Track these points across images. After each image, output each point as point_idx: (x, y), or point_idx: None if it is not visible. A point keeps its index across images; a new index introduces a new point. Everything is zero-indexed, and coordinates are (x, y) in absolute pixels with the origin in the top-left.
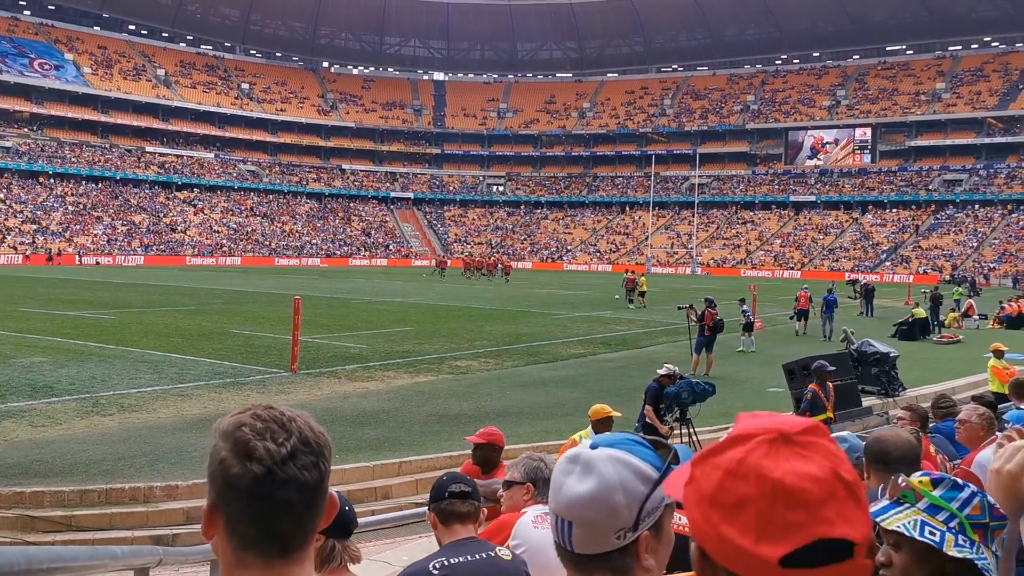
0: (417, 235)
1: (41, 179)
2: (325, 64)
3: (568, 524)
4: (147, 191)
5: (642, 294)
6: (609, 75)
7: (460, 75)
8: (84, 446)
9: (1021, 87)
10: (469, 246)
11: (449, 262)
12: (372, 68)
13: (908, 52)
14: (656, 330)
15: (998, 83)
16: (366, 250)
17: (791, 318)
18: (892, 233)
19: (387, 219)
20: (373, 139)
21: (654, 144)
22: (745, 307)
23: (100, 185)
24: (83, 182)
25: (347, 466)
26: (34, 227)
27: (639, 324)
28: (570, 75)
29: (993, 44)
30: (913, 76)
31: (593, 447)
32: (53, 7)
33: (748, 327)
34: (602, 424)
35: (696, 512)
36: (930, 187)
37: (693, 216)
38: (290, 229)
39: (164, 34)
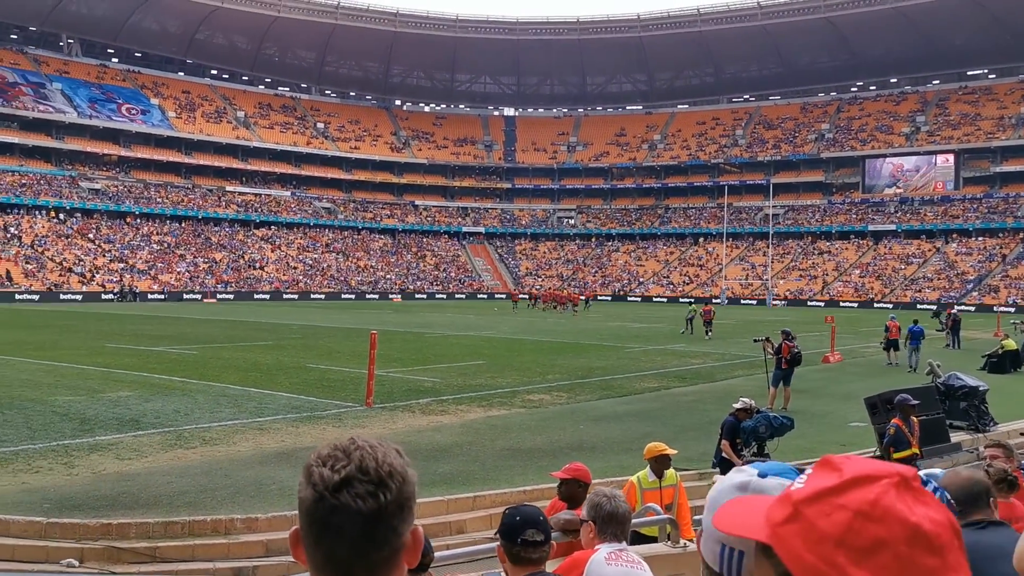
0: (489, 269)
1: (128, 219)
2: (397, 102)
3: (739, 553)
4: (227, 229)
5: (690, 320)
6: (680, 106)
7: (530, 110)
8: (168, 478)
9: None
10: (540, 279)
11: (532, 295)
12: (443, 105)
13: (990, 76)
14: (732, 363)
15: None
16: (438, 284)
17: (883, 348)
18: (978, 262)
19: (459, 253)
20: (445, 175)
21: (726, 175)
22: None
23: (183, 224)
24: (167, 221)
25: (421, 500)
26: (121, 266)
27: (714, 357)
28: (640, 107)
29: None
30: (996, 100)
31: (762, 475)
32: (140, 54)
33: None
34: (658, 462)
35: (810, 553)
36: (1017, 214)
37: (768, 247)
38: (364, 265)
39: (244, 77)
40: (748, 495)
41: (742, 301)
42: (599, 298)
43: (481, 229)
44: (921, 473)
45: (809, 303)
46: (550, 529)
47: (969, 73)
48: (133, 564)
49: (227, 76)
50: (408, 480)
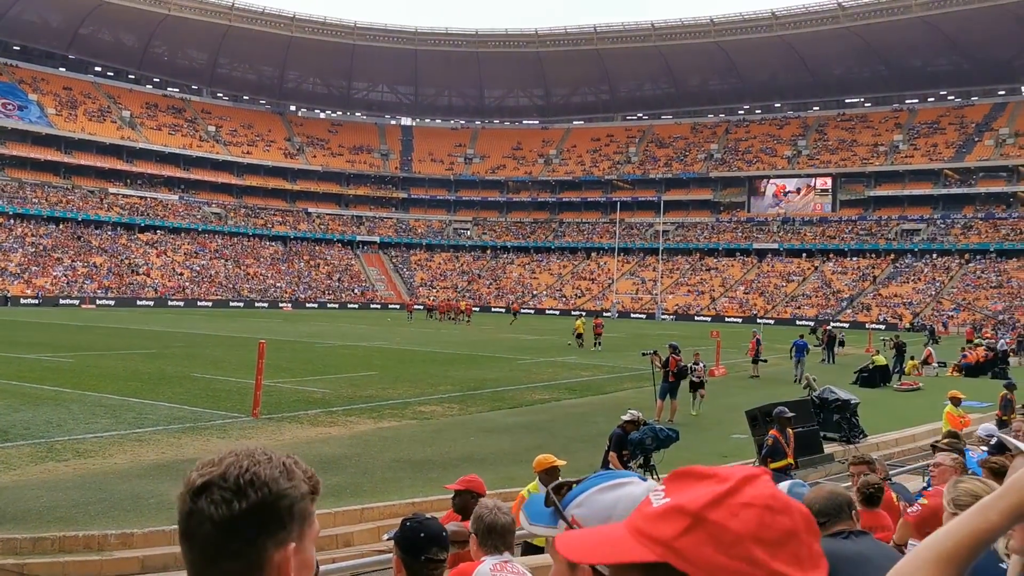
0: (383, 279)
1: (0, 219)
2: (292, 108)
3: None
4: (109, 233)
5: (579, 336)
6: (575, 122)
7: (427, 120)
8: (38, 492)
9: (976, 140)
10: (435, 290)
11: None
12: (339, 112)
13: (866, 105)
14: (621, 376)
15: (954, 135)
16: (331, 293)
17: (752, 361)
18: (852, 281)
19: (353, 263)
20: (340, 183)
21: (619, 191)
22: (698, 363)
23: (61, 226)
24: (44, 223)
25: None
26: None
27: (604, 370)
28: (536, 122)
29: (949, 98)
30: (871, 128)
31: (643, 480)
32: (18, 47)
33: (699, 385)
34: (548, 475)
35: (724, 556)
36: (889, 236)
37: (658, 262)
38: (254, 272)
39: (131, 76)
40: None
41: (632, 315)
42: (493, 310)
43: (376, 238)
44: (782, 485)
45: (696, 318)
46: (449, 544)
47: (847, 101)
48: None
49: (112, 74)
50: (277, 493)
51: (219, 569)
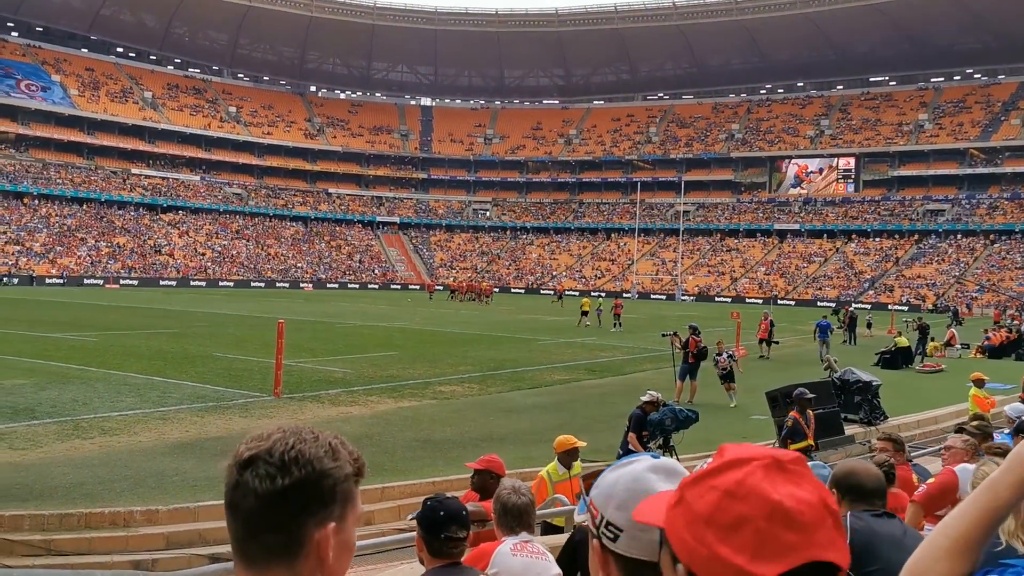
0: (403, 259)
1: (25, 200)
2: (312, 88)
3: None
4: (132, 213)
5: (584, 313)
6: (595, 102)
7: (447, 100)
8: (64, 470)
9: (1003, 118)
10: (454, 271)
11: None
12: (359, 93)
13: (891, 83)
14: (640, 357)
15: (980, 114)
16: (351, 274)
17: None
18: (875, 262)
19: (373, 243)
20: (360, 163)
21: (640, 171)
22: (724, 352)
23: (85, 207)
24: (68, 203)
25: None
26: (17, 248)
27: (623, 351)
28: (557, 102)
29: (975, 76)
30: (896, 107)
31: (656, 457)
32: (41, 29)
33: (729, 377)
34: (568, 455)
35: (687, 533)
36: (913, 217)
37: (678, 243)
38: (275, 252)
39: (152, 57)
40: (660, 476)
41: (652, 296)
42: (512, 291)
43: (396, 219)
44: (811, 464)
45: (717, 299)
46: (470, 523)
47: (871, 80)
48: (27, 557)
49: (134, 55)
50: (321, 472)
51: (260, 542)
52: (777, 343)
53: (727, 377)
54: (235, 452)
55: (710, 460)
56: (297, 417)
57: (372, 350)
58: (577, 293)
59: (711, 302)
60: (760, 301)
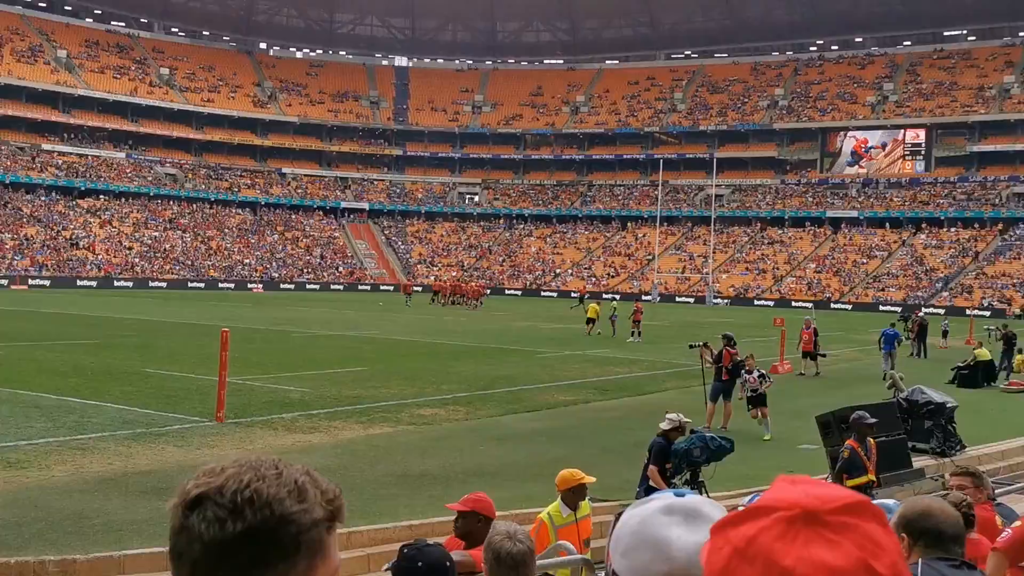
0: (373, 254)
1: None
2: (263, 46)
3: None
4: (43, 198)
5: (590, 321)
6: (608, 62)
7: (427, 60)
8: None
9: None
10: (436, 268)
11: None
12: (320, 51)
13: (970, 38)
14: (663, 373)
15: None
16: (310, 272)
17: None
18: (950, 257)
19: (336, 235)
20: (320, 137)
21: (662, 147)
22: (755, 369)
23: None
24: None
25: None
26: None
27: (642, 366)
28: (561, 61)
29: None
30: (976, 67)
31: (679, 495)
32: None
33: (760, 400)
34: (574, 494)
35: None
36: (996, 202)
37: (709, 234)
38: (218, 246)
39: (67, 8)
40: (676, 519)
41: (677, 298)
42: (507, 293)
43: (364, 205)
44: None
45: (756, 302)
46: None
47: (946, 34)
48: None
49: (44, 5)
50: (281, 517)
51: None
52: (824, 355)
53: (757, 400)
54: (182, 488)
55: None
56: (244, 447)
57: (336, 365)
58: (579, 296)
59: (749, 306)
60: (810, 305)
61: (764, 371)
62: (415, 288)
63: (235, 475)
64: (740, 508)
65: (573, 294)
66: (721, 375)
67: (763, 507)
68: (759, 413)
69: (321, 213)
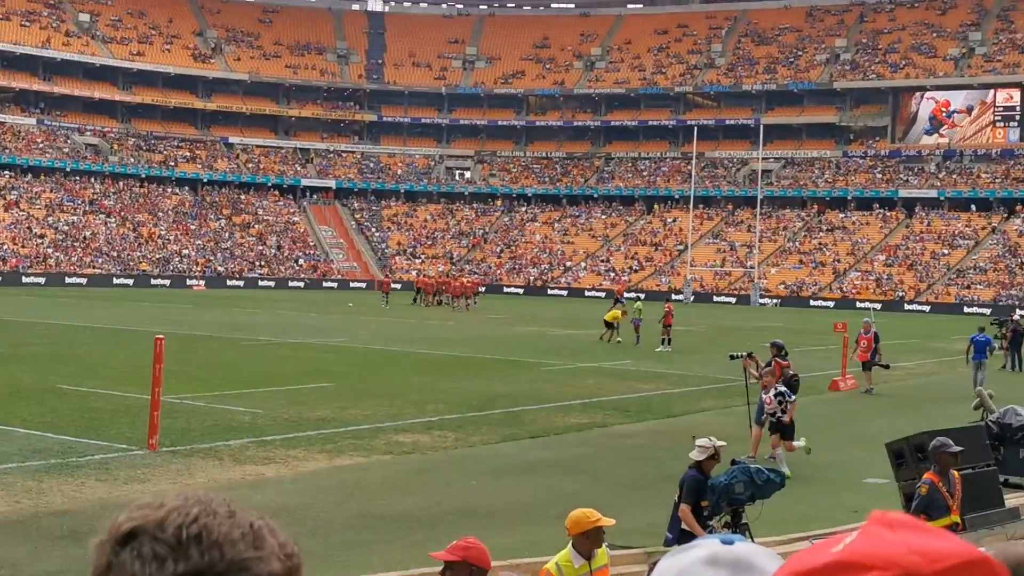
0: (341, 244)
1: None
2: None
3: None
4: None
5: (609, 326)
6: (631, 6)
7: (407, 3)
8: None
9: None
10: (418, 260)
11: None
12: None
13: None
14: (698, 390)
15: None
16: (263, 265)
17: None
18: None
19: (296, 219)
20: (276, 99)
21: (697, 111)
22: (777, 388)
23: None
24: None
25: None
26: None
27: (672, 381)
28: (572, 6)
29: None
30: None
31: (727, 542)
32: None
33: (783, 430)
34: (588, 539)
35: None
36: None
37: (754, 219)
38: (150, 233)
39: None
40: (723, 572)
41: (716, 297)
42: (507, 291)
43: (330, 183)
44: None
45: (812, 303)
46: None
47: None
48: None
49: None
50: (232, 562)
51: None
52: (887, 367)
53: (781, 430)
54: (112, 523)
55: (852, 537)
56: (183, 481)
57: (296, 381)
58: (616, 297)
59: (804, 307)
60: (875, 306)
61: (784, 389)
62: (394, 286)
63: (180, 508)
64: (808, 556)
65: (606, 297)
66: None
67: (850, 562)
68: (781, 445)
69: (277, 193)
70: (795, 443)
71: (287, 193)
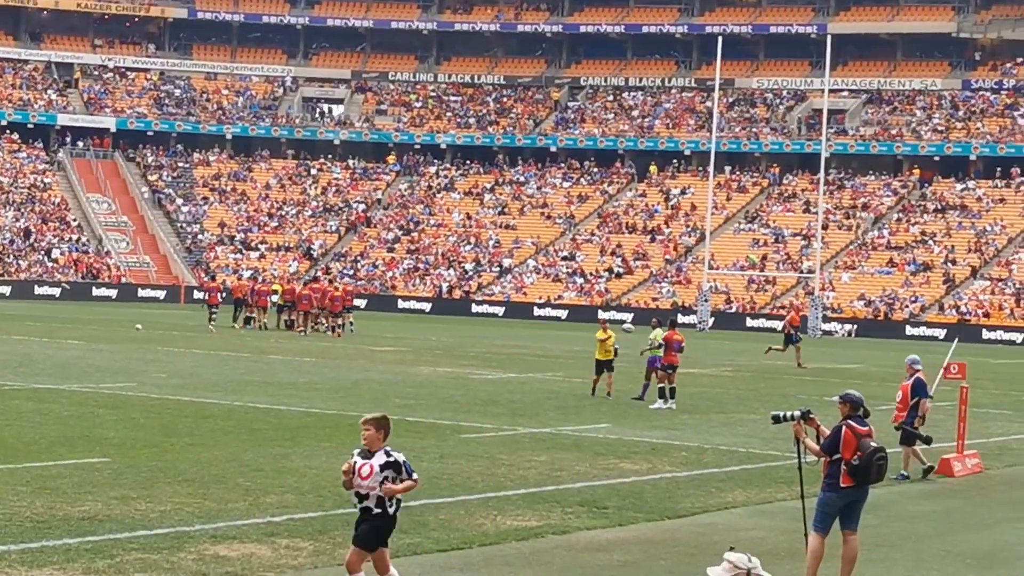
0: (125, 223)
1: None
2: None
3: None
4: None
5: (603, 364)
6: None
7: None
8: None
9: None
10: (256, 252)
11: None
12: None
13: None
14: (720, 473)
15: None
16: None
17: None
18: None
19: (46, 181)
20: None
21: (722, 9)
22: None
23: None
24: None
25: None
26: None
27: (677, 458)
28: None
29: None
30: None
31: None
32: None
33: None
34: None
35: None
36: None
37: (816, 191)
38: None
39: None
40: None
41: (749, 319)
42: (402, 306)
43: (108, 122)
44: None
45: (910, 329)
46: None
47: None
48: None
49: None
50: None
51: None
52: (929, 441)
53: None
54: None
55: None
56: None
57: (46, 454)
58: (562, 315)
59: (896, 336)
60: (1016, 337)
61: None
62: (222, 293)
63: None
64: None
65: (627, 327)
66: (840, 477)
67: None
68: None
69: (15, 137)
70: None
71: (32, 137)
